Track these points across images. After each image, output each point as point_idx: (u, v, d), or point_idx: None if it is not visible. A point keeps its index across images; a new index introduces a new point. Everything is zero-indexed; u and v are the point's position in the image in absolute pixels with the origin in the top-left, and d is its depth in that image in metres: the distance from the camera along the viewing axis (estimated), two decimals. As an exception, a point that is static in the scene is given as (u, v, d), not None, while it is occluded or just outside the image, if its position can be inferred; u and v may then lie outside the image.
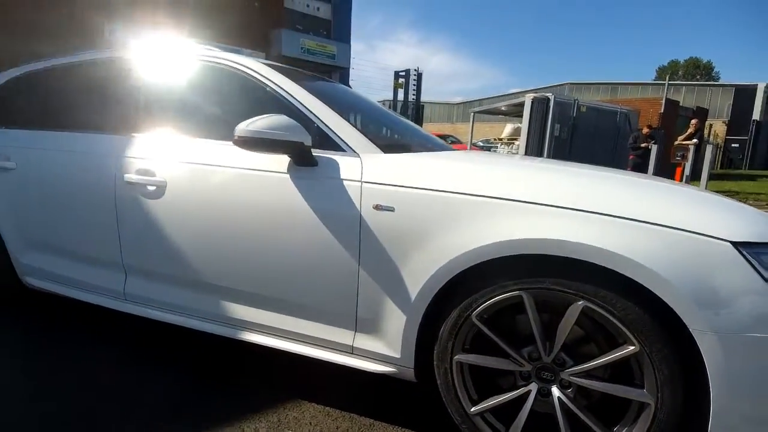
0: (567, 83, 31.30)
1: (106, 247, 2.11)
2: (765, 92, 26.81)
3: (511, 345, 1.49)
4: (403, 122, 2.96)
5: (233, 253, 1.85)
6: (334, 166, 1.71)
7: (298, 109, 1.85)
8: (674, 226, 1.31)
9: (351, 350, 1.72)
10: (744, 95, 26.99)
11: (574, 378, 1.44)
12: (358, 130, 1.81)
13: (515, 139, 15.32)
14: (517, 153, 14.70)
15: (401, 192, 1.58)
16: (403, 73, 11.80)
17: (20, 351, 2.20)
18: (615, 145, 13.47)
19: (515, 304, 1.46)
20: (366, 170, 1.66)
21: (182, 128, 2.10)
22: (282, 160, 1.76)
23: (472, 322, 1.50)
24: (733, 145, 27.18)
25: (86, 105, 2.36)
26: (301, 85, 1.94)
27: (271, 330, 1.85)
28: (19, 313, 2.56)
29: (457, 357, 1.54)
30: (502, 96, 29.68)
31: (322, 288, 1.72)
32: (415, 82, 12.01)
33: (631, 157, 10.89)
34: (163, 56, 2.23)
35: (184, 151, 1.96)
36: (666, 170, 11.27)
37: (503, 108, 17.25)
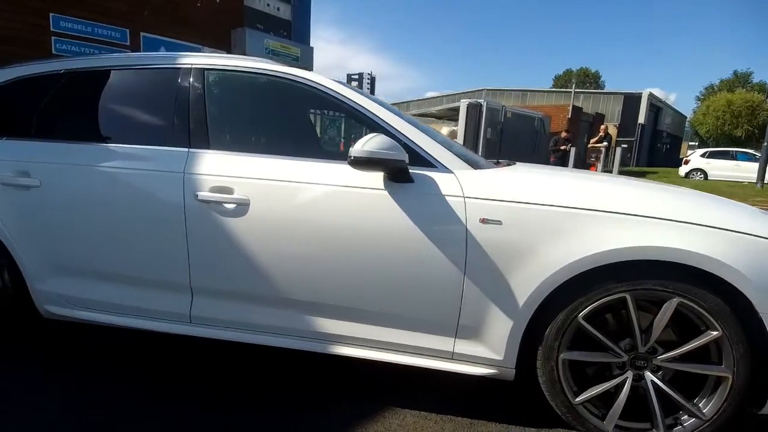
0: (484, 89, 33.19)
1: (171, 268, 1.95)
2: (648, 99, 30.69)
3: (611, 340, 1.67)
4: (436, 133, 3.04)
5: (325, 269, 1.82)
6: (431, 182, 1.76)
7: (383, 128, 1.87)
8: (745, 231, 1.58)
9: (451, 356, 1.79)
10: (631, 102, 30.56)
11: (665, 363, 1.66)
12: (444, 146, 1.88)
13: (452, 142, 16.19)
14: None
15: (507, 206, 1.68)
16: (357, 77, 11.82)
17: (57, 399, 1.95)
18: (535, 147, 14.72)
19: (614, 303, 1.64)
20: (465, 186, 1.74)
21: (257, 144, 2.01)
22: (375, 177, 1.77)
23: (577, 323, 1.65)
24: (623, 145, 30.78)
25: (141, 116, 2.15)
26: (376, 103, 1.96)
27: (365, 342, 1.85)
28: (31, 353, 2.26)
29: (562, 355, 1.68)
30: (425, 99, 30.67)
31: (424, 299, 1.77)
32: (368, 86, 12.09)
33: (552, 159, 11.91)
34: (232, 70, 2.09)
35: (265, 168, 1.88)
36: (582, 169, 12.54)
37: (434, 111, 18.07)
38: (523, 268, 1.66)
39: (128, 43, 5.39)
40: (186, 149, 1.97)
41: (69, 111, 2.25)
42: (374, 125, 1.90)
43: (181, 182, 1.90)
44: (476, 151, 13.10)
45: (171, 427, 1.73)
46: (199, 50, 6.03)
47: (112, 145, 2.06)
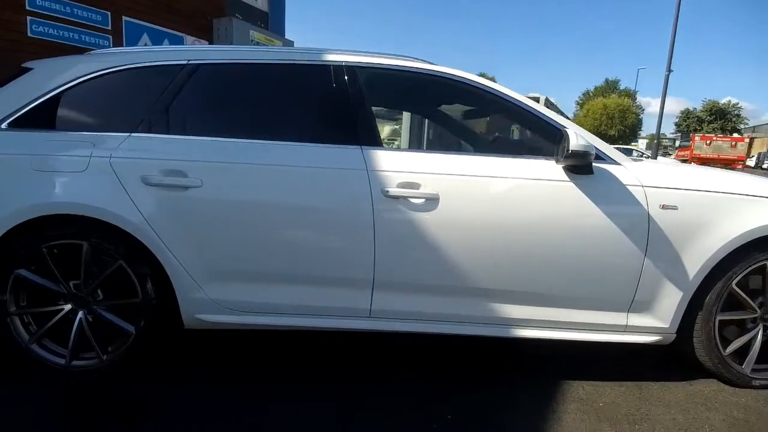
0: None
1: (356, 264, 1.90)
2: (545, 103, 34.18)
3: (751, 300, 2.01)
4: None
5: (514, 258, 1.93)
6: (609, 173, 1.95)
7: (551, 125, 2.01)
8: None
9: (624, 329, 2.01)
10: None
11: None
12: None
13: (394, 140, 16.54)
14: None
15: (681, 193, 1.93)
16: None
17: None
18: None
19: (755, 270, 1.99)
20: (641, 176, 1.96)
21: (433, 142, 2.02)
22: (558, 169, 1.92)
23: (731, 289, 1.97)
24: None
25: (294, 113, 2.03)
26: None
27: (547, 324, 1.99)
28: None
29: (719, 317, 1.99)
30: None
31: (606, 280, 1.96)
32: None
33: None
34: (393, 69, 2.08)
35: (452, 164, 1.92)
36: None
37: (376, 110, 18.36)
38: (695, 247, 1.92)
39: (109, 28, 4.74)
40: (358, 147, 1.93)
41: (216, 106, 2.08)
42: (539, 123, 2.03)
43: (366, 179, 1.87)
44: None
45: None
46: (181, 39, 5.52)
47: (278, 143, 1.94)
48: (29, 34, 3.97)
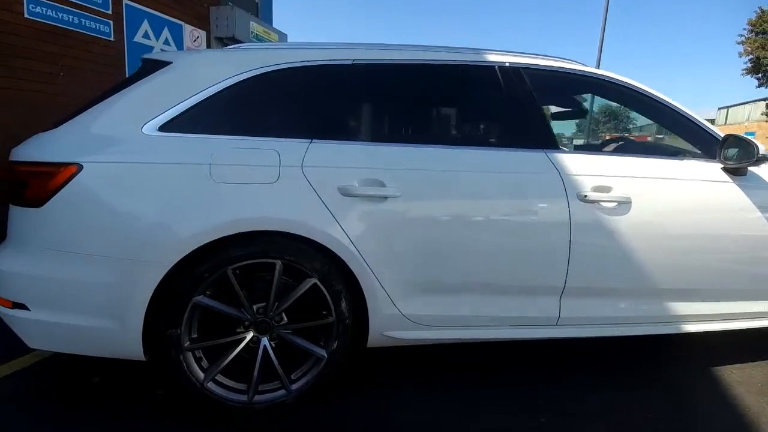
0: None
1: (549, 271, 1.84)
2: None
3: None
4: None
5: (699, 256, 1.97)
6: (754, 174, 2.08)
7: (707, 132, 2.10)
8: None
9: None
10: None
11: None
12: None
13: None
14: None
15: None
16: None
17: None
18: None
19: None
20: None
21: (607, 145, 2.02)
22: (717, 171, 2.02)
23: None
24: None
25: (486, 117, 1.93)
26: None
27: (727, 317, 2.05)
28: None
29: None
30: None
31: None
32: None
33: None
34: (563, 72, 2.02)
35: (641, 167, 1.94)
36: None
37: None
38: None
39: (109, 11, 4.09)
40: (541, 150, 1.88)
41: (390, 109, 1.90)
42: (695, 128, 2.10)
43: (561, 183, 1.84)
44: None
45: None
46: (180, 27, 4.95)
47: (467, 148, 1.84)
48: (26, 15, 3.32)
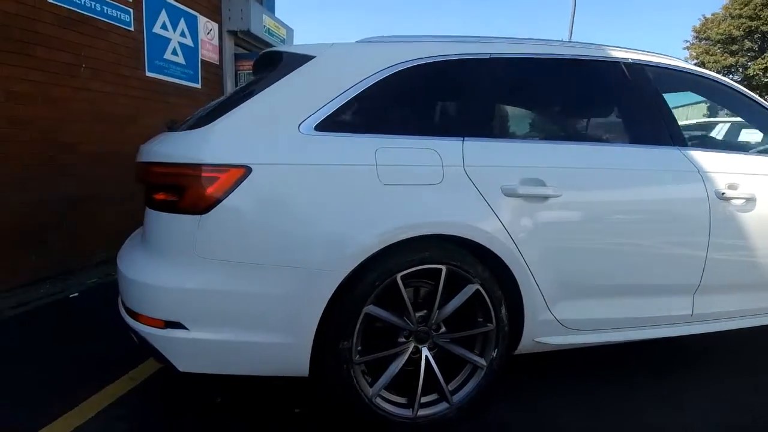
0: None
1: (689, 269, 1.87)
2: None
3: None
4: None
5: None
6: None
7: None
8: None
9: None
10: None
11: None
12: None
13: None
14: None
15: None
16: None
17: None
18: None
19: None
20: None
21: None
22: None
23: None
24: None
25: (624, 113, 1.91)
26: None
27: None
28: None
29: None
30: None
31: None
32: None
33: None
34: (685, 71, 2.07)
35: (758, 165, 2.01)
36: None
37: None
38: None
39: (130, 0, 3.78)
40: (675, 147, 1.90)
41: (532, 105, 1.85)
42: None
43: (701, 181, 1.86)
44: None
45: None
46: (195, 19, 4.63)
47: (611, 146, 1.84)
48: (50, 0, 2.97)
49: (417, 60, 1.68)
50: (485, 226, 1.57)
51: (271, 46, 5.70)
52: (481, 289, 1.60)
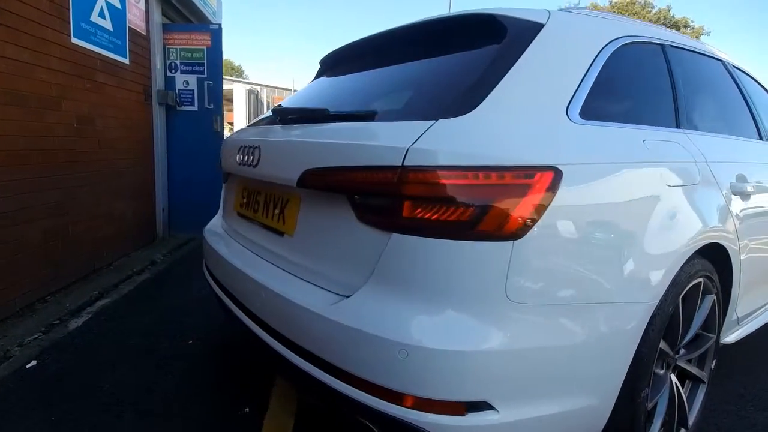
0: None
1: None
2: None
3: None
4: None
5: None
6: None
7: None
8: None
9: None
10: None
11: None
12: None
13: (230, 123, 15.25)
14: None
15: None
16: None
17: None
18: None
19: None
20: None
21: None
22: None
23: None
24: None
25: None
26: None
27: None
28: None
29: None
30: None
31: None
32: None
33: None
34: None
35: None
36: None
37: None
38: None
39: None
40: None
41: (714, 101, 1.75)
42: None
43: None
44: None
45: None
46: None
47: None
48: None
49: (628, 39, 1.42)
50: (731, 229, 1.43)
51: (204, 16, 4.72)
52: (716, 299, 1.45)
